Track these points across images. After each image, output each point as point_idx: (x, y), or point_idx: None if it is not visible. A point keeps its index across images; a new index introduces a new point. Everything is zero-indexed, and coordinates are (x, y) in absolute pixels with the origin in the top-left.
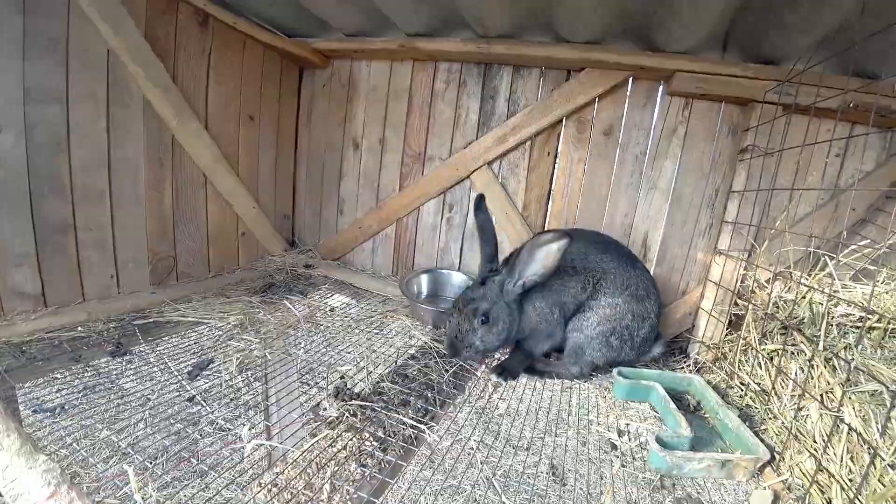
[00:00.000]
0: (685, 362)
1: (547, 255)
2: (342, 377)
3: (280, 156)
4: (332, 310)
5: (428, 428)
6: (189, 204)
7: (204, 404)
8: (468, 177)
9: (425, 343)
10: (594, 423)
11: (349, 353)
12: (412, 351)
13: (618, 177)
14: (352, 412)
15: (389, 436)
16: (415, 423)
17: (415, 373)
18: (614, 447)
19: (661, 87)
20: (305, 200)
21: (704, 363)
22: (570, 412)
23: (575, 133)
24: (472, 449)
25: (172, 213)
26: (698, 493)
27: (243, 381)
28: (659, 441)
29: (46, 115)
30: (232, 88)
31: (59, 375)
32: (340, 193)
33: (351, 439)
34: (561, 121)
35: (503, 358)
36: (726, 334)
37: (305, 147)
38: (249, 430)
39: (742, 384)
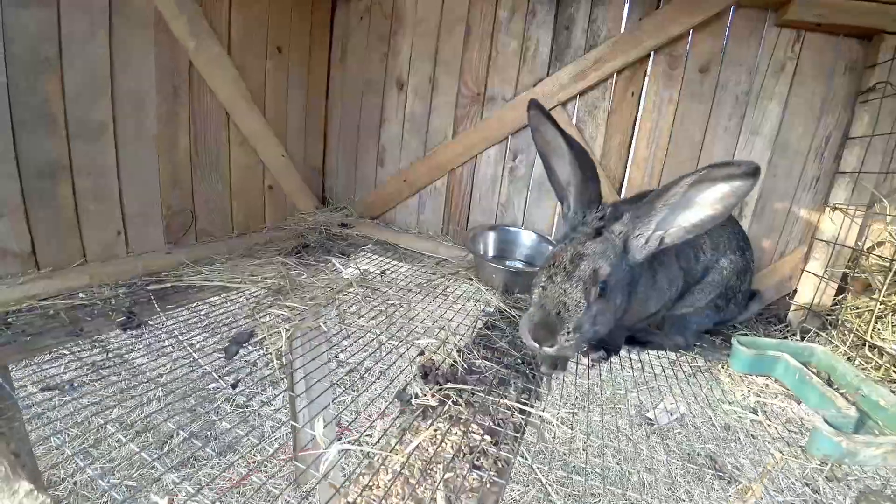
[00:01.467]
0: (785, 331)
1: (723, 198)
2: (422, 352)
3: (311, 98)
4: (382, 273)
5: (537, 411)
6: (209, 147)
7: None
8: None
9: (503, 309)
10: (723, 402)
11: (421, 323)
12: (490, 318)
13: (714, 120)
14: (451, 398)
15: (498, 425)
16: (523, 408)
17: (503, 344)
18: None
19: (768, 18)
20: (339, 151)
21: (811, 331)
22: (691, 390)
23: (665, 70)
24: (592, 437)
25: (190, 157)
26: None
27: (297, 358)
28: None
29: (30, 23)
30: (258, 14)
31: (57, 354)
32: (381, 141)
33: (455, 433)
34: (649, 55)
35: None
36: (839, 298)
37: (339, 89)
38: (324, 427)
39: (873, 354)
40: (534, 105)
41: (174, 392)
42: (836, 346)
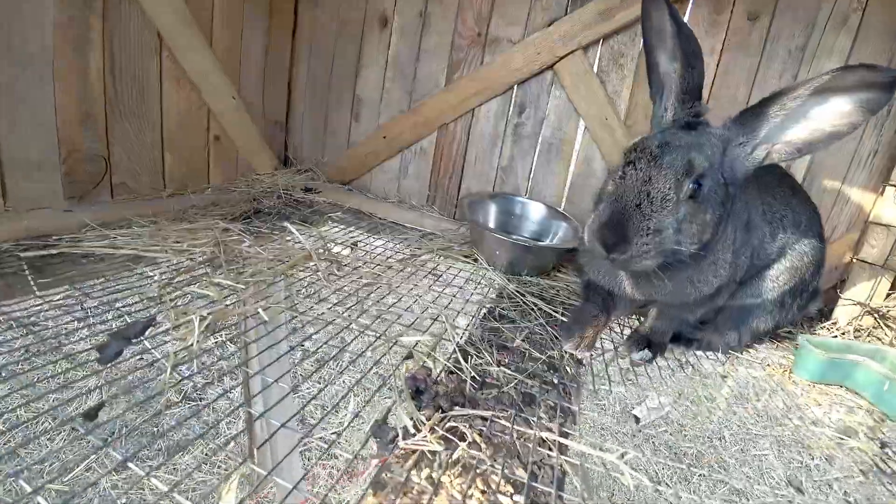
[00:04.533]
0: (833, 329)
1: (848, 113)
2: (409, 354)
3: (274, 36)
4: (353, 246)
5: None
6: (133, 79)
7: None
8: (552, 66)
9: (512, 293)
10: (803, 420)
11: (406, 311)
12: (497, 305)
13: (762, 77)
14: (459, 432)
15: (533, 472)
16: (562, 442)
17: (521, 342)
18: None
19: None
20: (307, 102)
21: (863, 329)
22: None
23: (709, 14)
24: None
25: (105, 88)
26: None
27: (214, 364)
28: None
29: None
30: None
31: None
32: (357, 92)
33: (470, 489)
34: None
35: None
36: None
37: (307, 30)
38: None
39: None
40: None
41: None
42: None
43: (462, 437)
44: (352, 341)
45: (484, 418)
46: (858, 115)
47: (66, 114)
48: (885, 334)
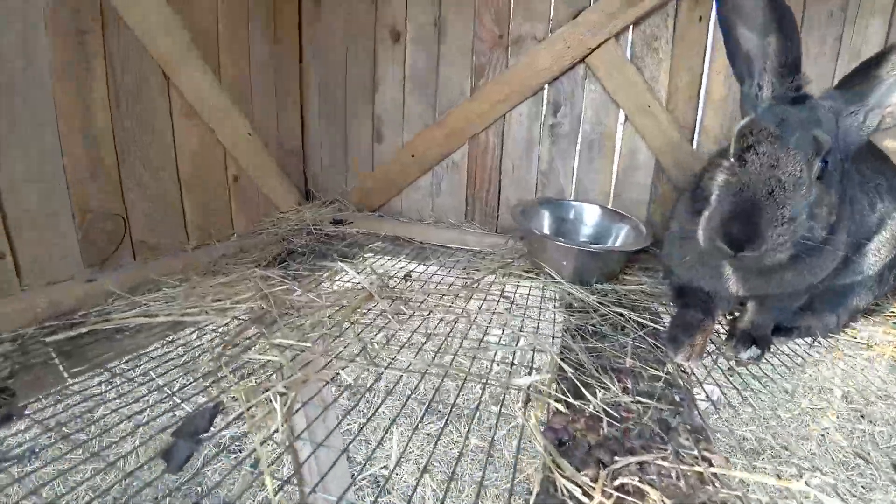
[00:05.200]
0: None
1: None
2: (528, 399)
3: (279, 61)
4: (407, 277)
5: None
6: (141, 121)
7: None
8: (583, 60)
9: (594, 304)
10: None
11: (499, 344)
12: (586, 322)
13: (803, 45)
14: (628, 489)
15: None
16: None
17: (629, 360)
18: None
19: None
20: (322, 126)
21: None
22: None
23: None
24: None
25: (113, 135)
26: None
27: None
28: None
29: None
30: None
31: None
32: (375, 110)
33: None
34: None
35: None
36: None
37: (314, 46)
38: None
39: None
40: None
41: None
42: None
43: (637, 494)
44: (459, 392)
45: (643, 463)
46: None
47: (73, 168)
48: None
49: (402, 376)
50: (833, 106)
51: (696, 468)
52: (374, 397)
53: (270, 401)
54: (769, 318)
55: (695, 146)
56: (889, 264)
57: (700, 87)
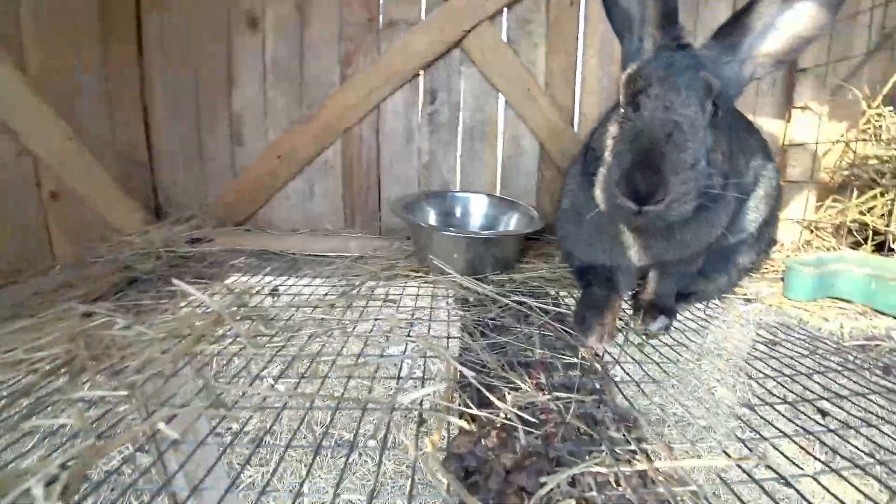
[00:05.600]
0: (781, 250)
1: (816, 14)
2: (422, 418)
3: (112, 51)
4: (273, 293)
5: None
6: None
7: None
8: (458, 43)
9: (494, 296)
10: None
11: (383, 356)
12: (483, 316)
13: None
14: None
15: None
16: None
17: (539, 351)
18: None
19: None
20: (171, 132)
21: (799, 247)
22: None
23: None
24: None
25: None
26: None
27: None
28: None
29: None
30: None
31: None
32: (234, 108)
33: None
34: None
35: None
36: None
37: (156, 36)
38: None
39: None
40: None
41: None
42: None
43: None
44: (326, 429)
45: (575, 476)
46: (823, 16)
47: None
48: (824, 244)
49: (251, 417)
50: (711, 55)
51: (639, 466)
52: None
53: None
54: (671, 286)
55: (576, 129)
56: (764, 221)
57: (576, 71)
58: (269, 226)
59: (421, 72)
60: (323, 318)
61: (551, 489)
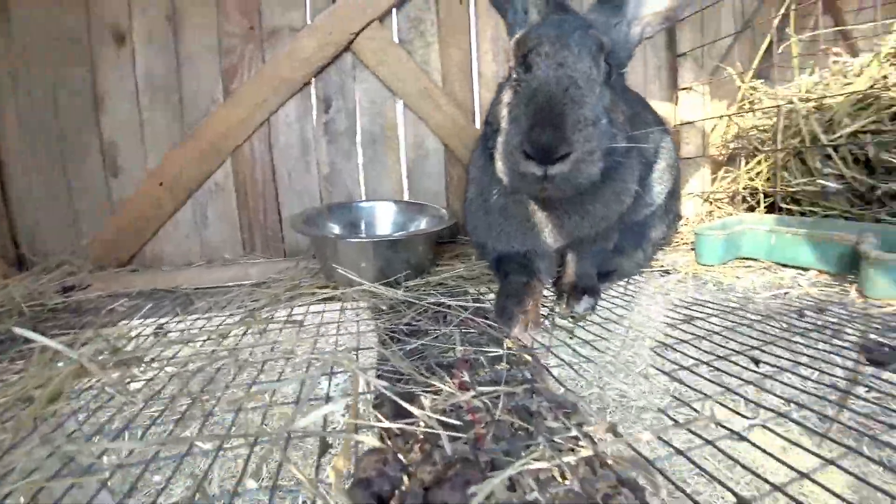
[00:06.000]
0: (687, 223)
1: None
2: (326, 444)
3: None
4: (160, 330)
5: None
6: None
7: None
8: (348, 47)
9: (410, 300)
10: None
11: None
12: (397, 324)
13: None
14: None
15: None
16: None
17: (460, 348)
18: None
19: None
20: (28, 167)
21: (702, 219)
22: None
23: None
24: None
25: None
26: None
27: None
28: None
29: None
30: None
31: None
32: (105, 134)
33: None
34: None
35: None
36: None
37: (4, 55)
38: None
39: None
40: None
41: None
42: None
43: None
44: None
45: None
46: None
47: None
48: (723, 213)
49: (114, 471)
50: (599, 19)
51: (583, 452)
52: None
53: None
54: (591, 266)
55: (478, 125)
56: (669, 193)
57: (472, 67)
58: (159, 262)
59: (312, 79)
60: (214, 350)
61: (486, 498)
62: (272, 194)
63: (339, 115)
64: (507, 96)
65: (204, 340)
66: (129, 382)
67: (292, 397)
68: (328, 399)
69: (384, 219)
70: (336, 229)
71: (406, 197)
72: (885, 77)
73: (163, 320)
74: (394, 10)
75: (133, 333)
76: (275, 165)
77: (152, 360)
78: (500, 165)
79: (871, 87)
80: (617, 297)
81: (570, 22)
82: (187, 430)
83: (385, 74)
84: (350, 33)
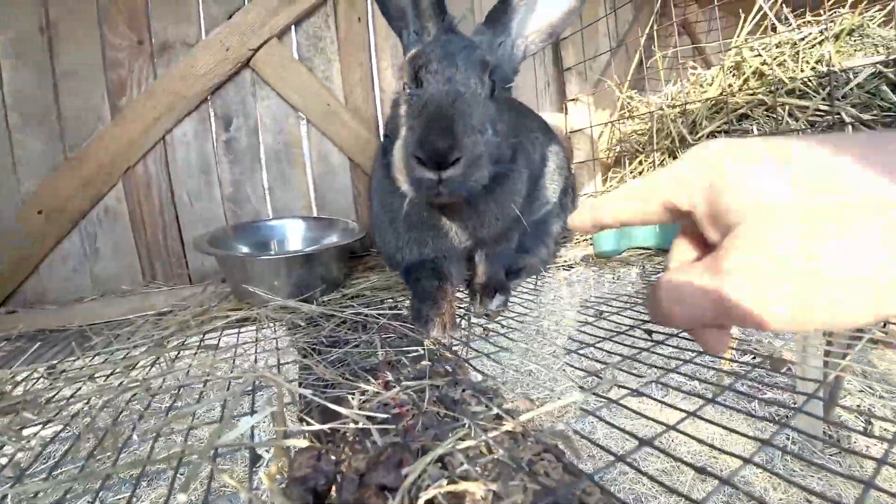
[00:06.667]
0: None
1: None
2: (257, 457)
3: None
4: (52, 371)
5: None
6: None
7: None
8: (247, 63)
9: (324, 314)
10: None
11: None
12: (316, 336)
13: None
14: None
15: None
16: None
17: (381, 351)
18: None
19: None
20: None
21: None
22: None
23: None
24: None
25: None
26: None
27: None
28: None
29: None
30: None
31: None
32: None
33: None
34: None
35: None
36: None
37: None
38: None
39: None
40: None
41: None
42: None
43: (455, 498)
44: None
45: (443, 458)
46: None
47: None
48: None
49: None
50: (483, 39)
51: (505, 427)
52: None
53: None
54: (499, 265)
55: (381, 139)
56: (563, 191)
57: (373, 83)
58: (43, 300)
59: (209, 96)
60: (122, 382)
61: (418, 477)
62: (172, 217)
63: (241, 132)
64: (402, 107)
65: (108, 375)
66: (20, 428)
67: (215, 418)
68: (253, 413)
69: (294, 236)
70: (244, 249)
71: (315, 212)
72: (730, 85)
73: (54, 361)
74: (293, 28)
75: (20, 378)
76: (173, 187)
77: (48, 400)
78: (397, 175)
79: (721, 93)
80: (526, 293)
81: (457, 42)
82: (102, 464)
83: (287, 91)
84: (248, 49)
